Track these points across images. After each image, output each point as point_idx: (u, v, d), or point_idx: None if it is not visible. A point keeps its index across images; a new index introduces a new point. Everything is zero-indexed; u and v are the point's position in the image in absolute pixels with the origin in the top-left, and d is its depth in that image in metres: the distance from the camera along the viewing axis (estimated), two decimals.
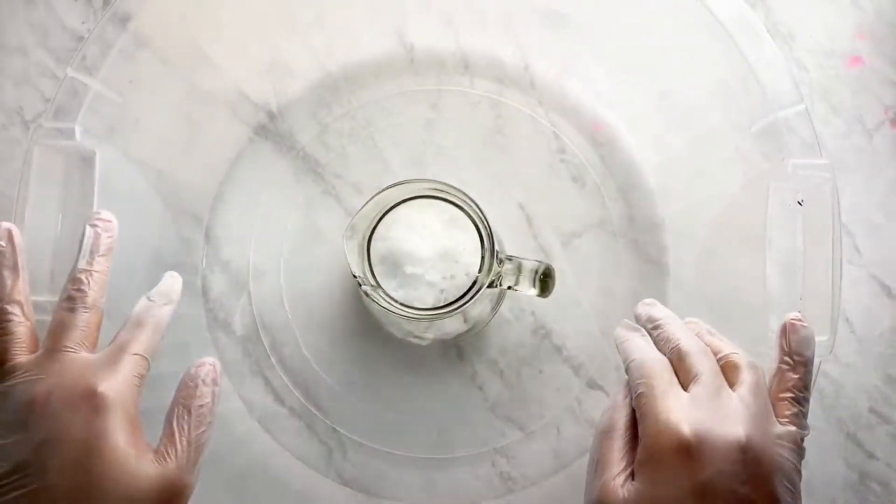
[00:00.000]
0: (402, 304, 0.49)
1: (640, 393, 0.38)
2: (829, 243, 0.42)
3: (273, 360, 0.56)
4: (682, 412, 0.37)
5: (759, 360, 0.41)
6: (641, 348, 0.40)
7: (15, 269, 0.40)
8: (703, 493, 0.35)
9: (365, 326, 0.56)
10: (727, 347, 0.41)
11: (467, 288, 0.49)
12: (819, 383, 0.54)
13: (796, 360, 0.39)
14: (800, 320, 0.40)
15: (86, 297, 0.40)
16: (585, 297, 0.56)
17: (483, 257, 0.49)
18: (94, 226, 0.42)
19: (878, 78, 0.56)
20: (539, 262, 0.49)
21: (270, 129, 0.57)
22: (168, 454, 0.38)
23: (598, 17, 0.52)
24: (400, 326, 0.55)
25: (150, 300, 0.42)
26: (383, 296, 0.49)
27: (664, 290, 0.55)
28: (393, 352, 0.56)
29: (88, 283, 0.40)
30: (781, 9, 0.57)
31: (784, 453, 0.37)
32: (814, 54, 0.57)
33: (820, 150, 0.43)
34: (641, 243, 0.56)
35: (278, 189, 0.57)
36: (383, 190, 0.49)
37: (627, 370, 0.40)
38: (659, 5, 0.49)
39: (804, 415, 0.39)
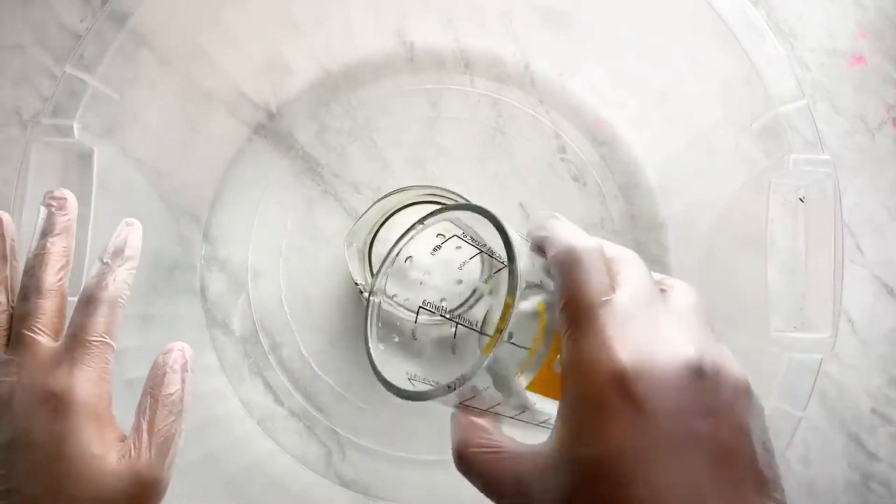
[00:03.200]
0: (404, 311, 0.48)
1: (570, 298, 0.29)
2: (831, 240, 0.41)
3: (272, 360, 0.56)
4: (617, 331, 0.27)
5: (761, 359, 0.41)
6: (570, 233, 0.30)
7: (3, 257, 0.38)
8: (653, 440, 0.26)
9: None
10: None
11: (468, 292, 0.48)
12: (821, 384, 0.54)
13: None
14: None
15: (39, 282, 0.37)
16: None
17: (483, 264, 0.48)
18: (48, 205, 0.39)
19: (880, 77, 0.56)
20: None
21: (269, 129, 0.57)
22: (135, 448, 0.36)
23: (599, 16, 0.52)
24: None
25: (104, 262, 0.38)
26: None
27: None
28: None
29: (42, 266, 0.38)
30: (783, 8, 0.57)
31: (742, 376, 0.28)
32: (816, 53, 0.57)
33: (822, 146, 0.43)
34: (642, 243, 0.56)
35: (277, 188, 0.57)
36: (384, 196, 0.49)
37: (551, 264, 0.30)
38: (660, 3, 0.49)
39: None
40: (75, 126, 0.44)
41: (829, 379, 0.54)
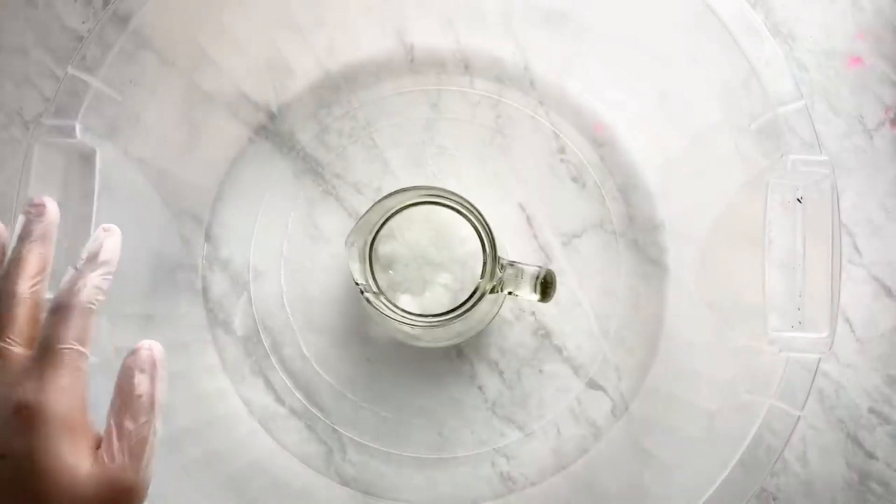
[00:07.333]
0: (403, 311, 0.49)
1: None
2: (829, 241, 0.41)
3: (273, 360, 0.56)
4: None
5: (759, 359, 0.41)
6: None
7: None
8: None
9: (365, 327, 0.56)
10: None
11: (469, 293, 0.49)
12: (819, 383, 0.54)
13: None
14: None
15: (13, 288, 0.36)
16: (585, 297, 0.56)
17: (485, 263, 0.49)
18: (26, 213, 0.38)
19: (878, 78, 0.56)
20: (540, 267, 0.49)
21: (270, 129, 0.57)
22: (107, 452, 0.35)
23: (599, 17, 0.52)
24: (400, 329, 0.55)
25: (76, 269, 0.37)
26: (385, 303, 0.49)
27: (664, 290, 0.55)
28: (393, 352, 0.56)
29: (16, 272, 0.36)
30: (782, 9, 0.57)
31: None
32: (814, 54, 0.57)
33: (819, 147, 0.43)
34: (641, 243, 0.56)
35: (278, 189, 0.57)
36: (384, 197, 0.49)
37: None
38: (659, 4, 0.49)
39: None
40: (77, 127, 0.44)
41: (827, 378, 0.55)
